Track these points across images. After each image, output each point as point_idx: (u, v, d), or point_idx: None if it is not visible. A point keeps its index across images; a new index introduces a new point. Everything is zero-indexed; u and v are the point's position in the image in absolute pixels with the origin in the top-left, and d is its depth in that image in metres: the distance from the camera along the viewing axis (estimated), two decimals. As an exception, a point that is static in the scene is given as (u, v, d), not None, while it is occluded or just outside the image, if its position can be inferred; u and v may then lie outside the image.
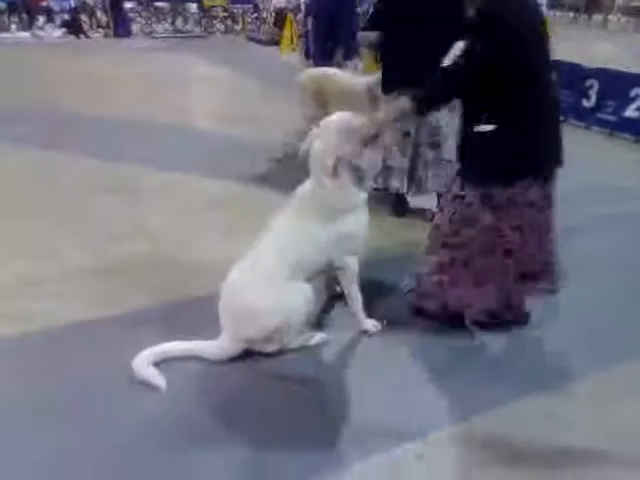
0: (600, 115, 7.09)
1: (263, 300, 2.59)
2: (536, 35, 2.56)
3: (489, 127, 2.55)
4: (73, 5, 17.71)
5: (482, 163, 2.65)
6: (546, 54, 2.60)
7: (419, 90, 2.62)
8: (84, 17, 17.68)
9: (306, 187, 2.78)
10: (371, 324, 2.91)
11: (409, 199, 4.43)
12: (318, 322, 2.91)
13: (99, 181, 4.99)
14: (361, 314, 2.89)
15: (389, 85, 4.11)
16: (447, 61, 2.54)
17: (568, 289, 3.24)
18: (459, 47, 2.51)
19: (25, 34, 16.87)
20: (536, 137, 2.55)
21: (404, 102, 2.67)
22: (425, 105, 2.70)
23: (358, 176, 2.75)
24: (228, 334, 2.65)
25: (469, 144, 2.71)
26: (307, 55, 6.53)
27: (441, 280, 2.78)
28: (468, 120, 2.68)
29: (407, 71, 3.88)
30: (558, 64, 7.54)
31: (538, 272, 2.82)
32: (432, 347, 2.81)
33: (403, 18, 3.87)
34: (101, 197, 4.62)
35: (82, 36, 16.77)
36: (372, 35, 4.14)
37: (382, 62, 4.25)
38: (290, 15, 15.00)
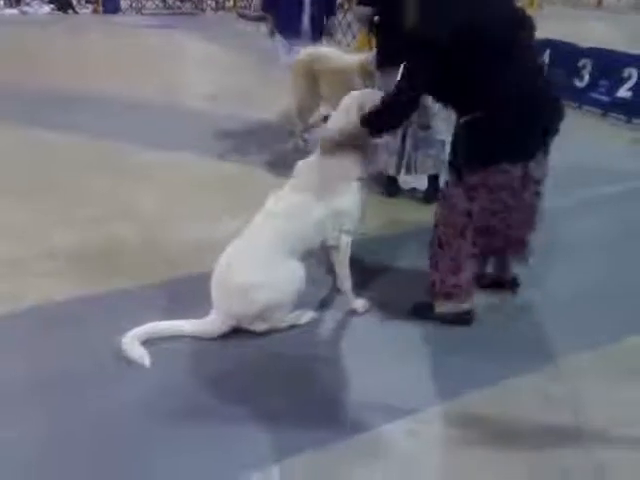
0: (593, 95, 7.05)
1: (254, 274, 2.59)
2: (494, 29, 2.47)
3: (469, 117, 2.58)
4: (61, -20, 17.35)
5: (459, 150, 2.68)
6: (516, 45, 2.52)
7: (368, 113, 2.67)
8: (72, -8, 17.34)
9: (306, 161, 2.81)
10: (360, 303, 2.91)
11: (400, 179, 4.42)
12: (308, 301, 2.90)
13: (85, 160, 4.92)
14: (351, 293, 2.89)
15: (384, 61, 4.06)
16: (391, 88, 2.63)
17: (556, 269, 3.26)
18: (400, 72, 2.58)
19: (13, 11, 16.54)
20: (507, 125, 2.51)
21: (356, 123, 2.69)
22: (376, 131, 2.76)
23: (363, 152, 2.78)
24: (218, 311, 2.64)
25: (455, 134, 2.74)
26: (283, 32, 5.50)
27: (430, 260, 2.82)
28: (456, 113, 2.71)
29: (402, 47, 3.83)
30: (551, 43, 7.56)
31: (506, 246, 2.84)
32: (422, 325, 2.81)
33: None
34: (88, 176, 4.56)
35: (70, 12, 16.47)
36: (367, 9, 4.07)
37: (377, 37, 4.17)
38: (282, -8, 14.79)
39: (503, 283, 3.08)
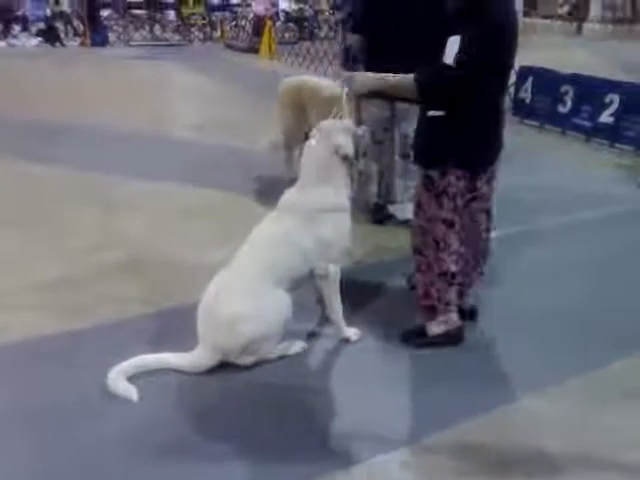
0: (576, 120, 7.16)
1: (240, 307, 2.56)
2: (514, 29, 2.54)
3: (439, 112, 2.55)
4: (49, 14, 17.56)
5: (426, 146, 2.67)
6: (514, 50, 2.59)
7: (422, 75, 2.55)
8: (60, 25, 17.55)
9: (290, 192, 2.80)
10: (352, 332, 2.88)
11: (391, 209, 4.43)
12: (297, 331, 2.88)
13: (72, 191, 4.91)
14: (342, 322, 2.87)
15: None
16: (449, 59, 2.48)
17: (539, 294, 3.25)
18: (456, 43, 2.46)
19: (0, 44, 16.68)
20: (476, 130, 2.53)
21: (407, 80, 2.59)
22: (426, 94, 2.60)
23: (345, 181, 2.78)
24: (205, 344, 2.60)
25: (419, 127, 2.72)
26: None
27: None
28: (423, 106, 2.68)
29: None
30: (533, 70, 7.70)
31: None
32: (414, 354, 2.78)
33: (386, 24, 3.84)
34: (75, 207, 4.54)
35: (58, 44, 16.61)
36: (354, 38, 4.12)
37: (365, 67, 4.21)
38: (269, 22, 15.04)
39: (462, 313, 2.95)
